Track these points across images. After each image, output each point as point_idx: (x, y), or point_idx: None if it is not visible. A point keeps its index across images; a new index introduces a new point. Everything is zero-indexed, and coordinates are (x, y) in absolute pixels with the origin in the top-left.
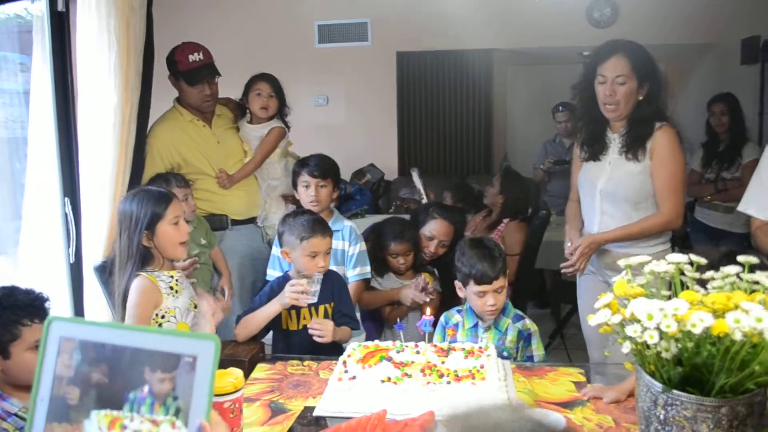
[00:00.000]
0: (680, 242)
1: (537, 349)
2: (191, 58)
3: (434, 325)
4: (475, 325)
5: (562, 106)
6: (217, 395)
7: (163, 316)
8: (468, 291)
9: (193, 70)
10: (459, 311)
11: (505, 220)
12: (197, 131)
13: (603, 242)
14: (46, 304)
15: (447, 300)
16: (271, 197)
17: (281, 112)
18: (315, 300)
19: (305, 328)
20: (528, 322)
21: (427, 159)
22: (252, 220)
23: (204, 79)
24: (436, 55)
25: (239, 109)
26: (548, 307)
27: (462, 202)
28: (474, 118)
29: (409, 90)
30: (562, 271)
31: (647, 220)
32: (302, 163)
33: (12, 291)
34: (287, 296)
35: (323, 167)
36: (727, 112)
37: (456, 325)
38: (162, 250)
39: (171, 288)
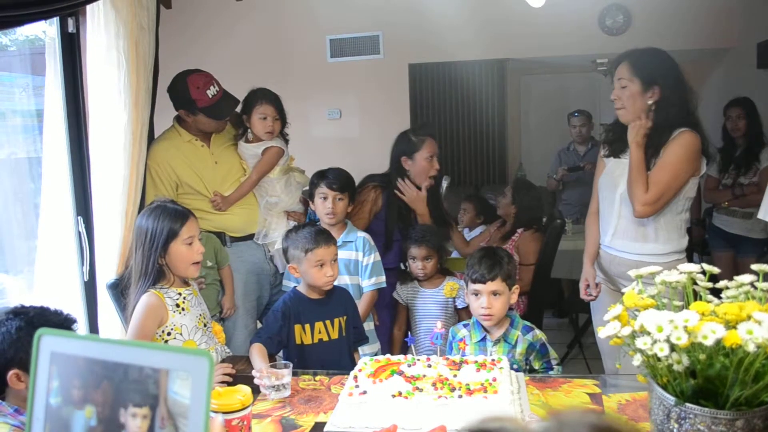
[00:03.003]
0: (699, 249)
1: (551, 353)
2: (209, 93)
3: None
4: (483, 339)
5: (578, 112)
6: (225, 412)
7: (169, 333)
8: (468, 294)
9: (215, 105)
10: (465, 325)
11: (519, 230)
12: (194, 151)
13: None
14: (74, 326)
15: None
16: (271, 214)
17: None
18: (287, 394)
19: (320, 341)
20: (538, 332)
21: (441, 170)
22: (252, 237)
23: (231, 112)
24: (449, 67)
25: (240, 125)
26: (566, 317)
27: (483, 214)
28: (488, 128)
29: (423, 102)
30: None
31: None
32: (321, 175)
33: (43, 311)
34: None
35: (342, 181)
36: (743, 117)
37: (463, 340)
38: (173, 269)
39: (177, 305)
